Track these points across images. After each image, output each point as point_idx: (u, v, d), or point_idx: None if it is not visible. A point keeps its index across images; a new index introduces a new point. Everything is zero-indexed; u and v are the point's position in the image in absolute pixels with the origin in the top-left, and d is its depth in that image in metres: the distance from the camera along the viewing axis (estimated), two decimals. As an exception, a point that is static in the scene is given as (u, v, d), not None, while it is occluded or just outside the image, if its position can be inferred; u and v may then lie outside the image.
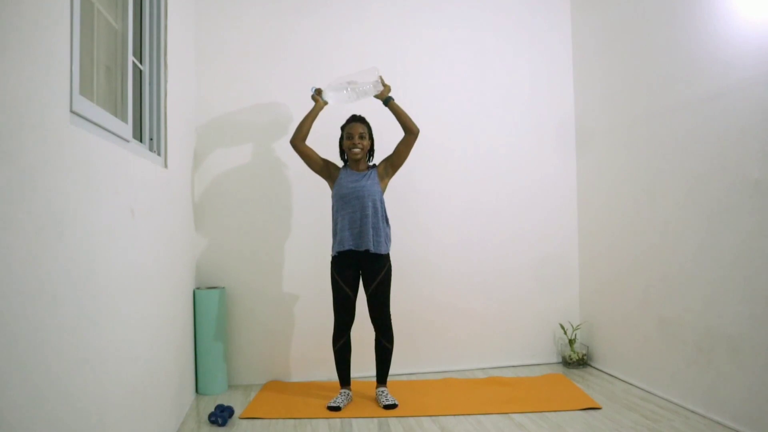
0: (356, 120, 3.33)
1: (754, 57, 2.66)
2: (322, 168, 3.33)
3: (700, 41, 2.99)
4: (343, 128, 3.36)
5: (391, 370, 3.46)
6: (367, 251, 3.18)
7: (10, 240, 1.25)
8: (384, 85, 3.31)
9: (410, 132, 3.26)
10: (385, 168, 3.33)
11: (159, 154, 2.79)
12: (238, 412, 3.15)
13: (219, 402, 3.24)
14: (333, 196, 3.30)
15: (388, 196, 3.41)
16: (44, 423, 1.38)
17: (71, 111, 1.62)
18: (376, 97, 3.33)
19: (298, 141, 3.28)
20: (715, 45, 2.89)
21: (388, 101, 3.29)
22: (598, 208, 3.98)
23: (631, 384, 3.54)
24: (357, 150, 3.26)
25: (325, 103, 3.35)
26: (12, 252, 1.25)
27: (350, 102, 3.38)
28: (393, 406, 3.17)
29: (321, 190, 3.62)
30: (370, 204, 3.19)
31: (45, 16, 1.46)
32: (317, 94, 3.34)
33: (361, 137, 3.28)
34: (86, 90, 1.88)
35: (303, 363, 3.78)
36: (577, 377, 3.76)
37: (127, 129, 2.23)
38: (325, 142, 3.46)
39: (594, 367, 3.97)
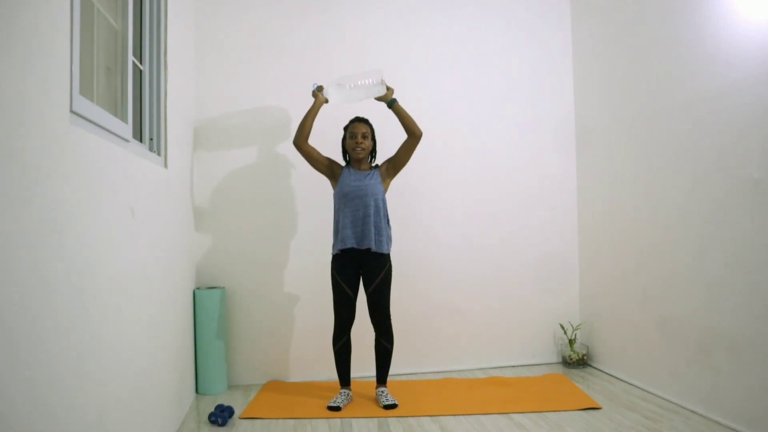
0: (359, 120, 3.33)
1: (754, 57, 2.66)
2: (326, 167, 3.33)
3: (700, 41, 2.99)
4: (346, 128, 3.37)
5: (391, 370, 3.46)
6: (368, 250, 3.19)
7: (10, 240, 1.24)
8: (387, 88, 3.30)
9: (413, 135, 3.26)
10: (387, 169, 3.34)
11: (159, 154, 2.79)
12: (238, 412, 3.15)
13: (219, 402, 3.24)
14: (335, 195, 3.30)
15: (388, 196, 3.40)
16: (44, 423, 1.38)
17: (71, 111, 1.62)
18: (378, 99, 3.32)
19: (301, 141, 3.26)
20: (715, 45, 2.89)
21: (392, 104, 3.28)
22: (598, 208, 3.98)
23: (631, 384, 3.54)
24: (360, 150, 3.27)
25: (326, 100, 3.33)
26: (12, 252, 1.25)
27: (351, 102, 3.37)
28: (393, 406, 3.17)
29: (321, 190, 3.62)
30: (372, 203, 3.19)
31: (45, 17, 1.46)
32: (318, 90, 3.33)
33: (364, 137, 3.28)
34: (86, 90, 1.88)
35: (303, 363, 3.78)
36: (577, 377, 3.76)
37: (127, 129, 2.23)
38: (328, 142, 3.45)
39: (594, 367, 3.97)
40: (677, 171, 3.17)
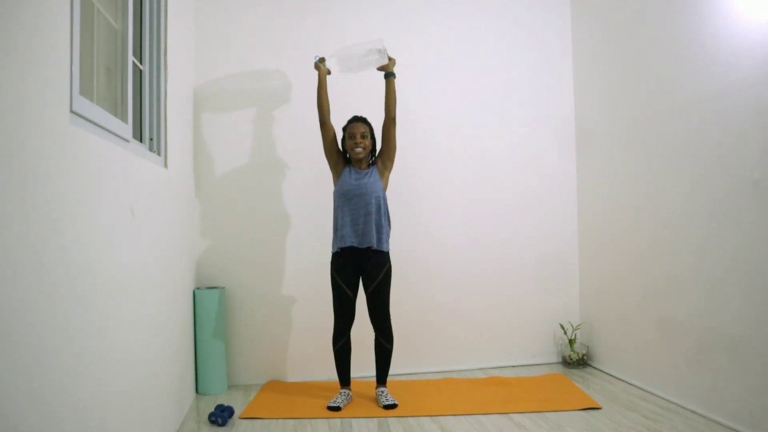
0: (358, 120, 3.33)
1: (754, 57, 2.66)
2: (334, 155, 3.33)
3: (700, 41, 2.99)
4: (345, 128, 3.36)
5: (391, 370, 3.45)
6: (368, 248, 3.19)
7: (10, 240, 1.24)
8: (389, 58, 3.31)
9: (387, 113, 3.29)
10: (383, 162, 3.34)
11: (159, 154, 2.79)
12: (238, 412, 3.15)
13: (219, 402, 3.24)
14: (335, 193, 3.30)
15: (388, 195, 3.40)
16: (44, 423, 1.38)
17: (71, 111, 1.62)
18: (380, 68, 3.34)
19: (324, 115, 3.30)
20: (715, 45, 2.89)
21: (389, 76, 3.30)
22: (598, 208, 3.98)
23: (631, 384, 3.54)
24: (359, 150, 3.26)
25: (329, 71, 3.35)
26: (12, 252, 1.25)
27: (354, 72, 3.37)
28: (393, 406, 3.17)
29: (321, 190, 3.62)
30: (373, 201, 3.19)
31: (45, 17, 1.45)
32: (320, 62, 3.35)
33: (363, 137, 3.28)
34: (86, 90, 1.88)
35: (303, 363, 3.78)
36: (577, 377, 3.76)
37: (127, 129, 2.23)
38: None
39: (594, 367, 3.97)
40: (677, 171, 3.17)
